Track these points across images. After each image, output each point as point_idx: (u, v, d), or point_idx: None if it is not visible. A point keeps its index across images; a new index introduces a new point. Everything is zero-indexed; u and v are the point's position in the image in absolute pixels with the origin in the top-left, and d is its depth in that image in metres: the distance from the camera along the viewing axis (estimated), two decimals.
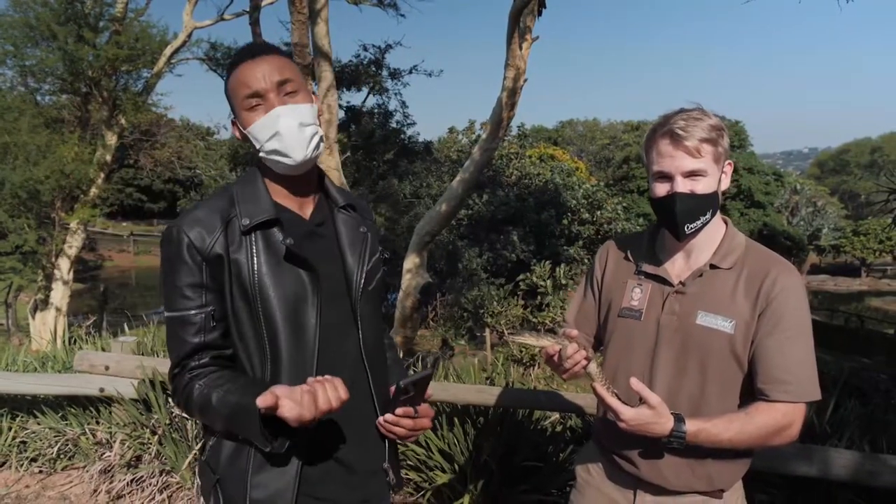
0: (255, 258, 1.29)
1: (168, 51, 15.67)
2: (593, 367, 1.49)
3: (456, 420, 3.25)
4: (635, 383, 1.41)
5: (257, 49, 1.34)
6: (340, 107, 17.59)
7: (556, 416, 3.49)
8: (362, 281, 1.41)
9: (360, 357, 1.41)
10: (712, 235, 1.58)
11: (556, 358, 1.48)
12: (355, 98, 20.87)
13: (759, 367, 1.47)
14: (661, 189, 1.52)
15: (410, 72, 17.56)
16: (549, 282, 13.36)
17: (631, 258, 1.69)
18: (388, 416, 1.34)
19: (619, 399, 1.45)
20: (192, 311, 1.29)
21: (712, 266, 1.55)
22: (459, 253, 18.34)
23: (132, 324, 5.82)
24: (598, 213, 20.43)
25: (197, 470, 1.43)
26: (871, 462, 2.45)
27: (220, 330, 1.32)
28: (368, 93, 17.85)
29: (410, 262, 10.48)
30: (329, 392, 1.18)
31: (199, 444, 1.50)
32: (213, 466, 1.35)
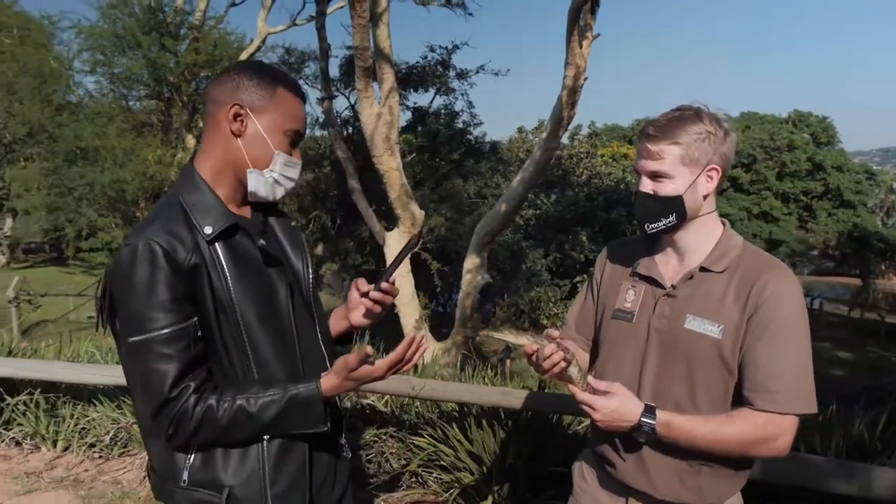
0: (223, 265, 1.28)
1: (244, 56, 16.31)
2: (574, 371, 1.44)
3: (484, 422, 3.24)
4: (590, 379, 1.42)
5: (303, 94, 1.41)
6: (407, 107, 17.77)
7: (588, 420, 3.41)
8: (311, 275, 1.47)
9: (320, 346, 1.46)
10: (707, 238, 1.52)
11: (534, 357, 1.46)
12: (422, 99, 21.01)
13: (745, 374, 1.41)
14: (637, 185, 1.53)
15: (477, 72, 17.46)
16: None
17: (629, 260, 1.65)
18: (375, 294, 1.47)
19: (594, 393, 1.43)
20: (183, 324, 1.21)
21: (703, 269, 1.49)
22: (523, 253, 18.17)
23: None
24: None
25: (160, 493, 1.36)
26: None
27: (203, 342, 1.27)
28: (435, 93, 17.91)
29: (471, 262, 10.48)
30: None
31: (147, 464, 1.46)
32: (217, 480, 1.29)
